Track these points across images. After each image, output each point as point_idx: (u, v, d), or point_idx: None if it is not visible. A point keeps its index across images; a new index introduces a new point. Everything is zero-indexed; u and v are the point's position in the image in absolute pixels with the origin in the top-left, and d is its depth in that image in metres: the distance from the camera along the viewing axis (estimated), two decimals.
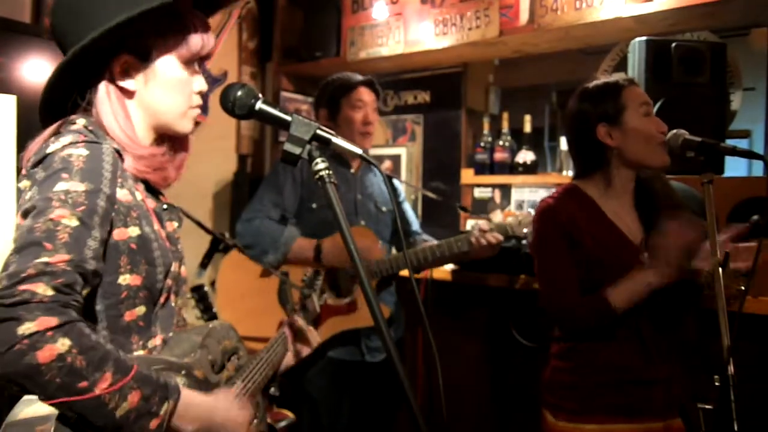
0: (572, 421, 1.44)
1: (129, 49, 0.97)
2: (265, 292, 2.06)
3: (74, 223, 0.83)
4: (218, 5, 1.11)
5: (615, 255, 1.42)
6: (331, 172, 0.87)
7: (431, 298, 2.25)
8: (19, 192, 0.92)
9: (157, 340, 0.99)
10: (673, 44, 1.79)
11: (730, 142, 1.76)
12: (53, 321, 0.75)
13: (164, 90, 1.00)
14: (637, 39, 1.84)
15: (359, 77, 2.15)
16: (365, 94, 2.12)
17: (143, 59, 0.98)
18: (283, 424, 1.69)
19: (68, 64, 0.94)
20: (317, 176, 0.86)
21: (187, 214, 1.32)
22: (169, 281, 1.01)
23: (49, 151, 0.90)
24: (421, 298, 2.18)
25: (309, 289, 1.62)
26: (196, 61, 1.03)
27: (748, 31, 2.27)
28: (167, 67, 1.00)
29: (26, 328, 0.73)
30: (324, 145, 0.90)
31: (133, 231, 0.94)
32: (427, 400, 2.41)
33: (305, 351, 1.38)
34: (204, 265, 1.93)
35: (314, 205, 2.07)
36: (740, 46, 2.28)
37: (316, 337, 1.39)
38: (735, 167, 1.94)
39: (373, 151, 3.00)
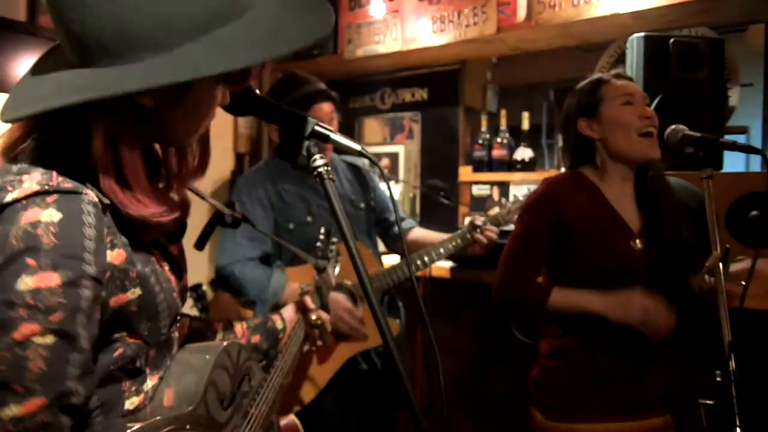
0: (564, 420, 1.43)
1: None
2: None
3: (49, 340, 0.63)
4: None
5: (610, 238, 1.43)
6: (329, 168, 0.86)
7: (430, 296, 2.24)
8: None
9: (154, 380, 0.84)
10: (672, 40, 1.79)
11: (728, 138, 1.76)
12: None
13: (190, 112, 0.77)
14: (635, 35, 1.83)
15: (314, 87, 1.92)
16: (321, 110, 1.88)
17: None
18: (283, 423, 1.66)
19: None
20: (316, 173, 0.85)
21: (197, 192, 1.13)
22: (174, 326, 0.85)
23: (7, 200, 0.65)
24: (420, 296, 2.14)
25: (323, 260, 1.40)
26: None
27: (746, 27, 2.27)
28: (208, 87, 0.76)
29: None
30: (323, 141, 0.89)
31: (134, 293, 0.75)
32: (427, 397, 2.40)
33: (320, 340, 1.28)
34: (206, 233, 1.76)
35: (291, 226, 1.91)
36: (737, 42, 2.28)
37: (329, 323, 1.28)
38: (732, 163, 1.94)
39: (372, 149, 2.99)
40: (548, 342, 1.52)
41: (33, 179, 0.67)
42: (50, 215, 0.65)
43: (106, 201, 0.72)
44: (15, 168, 0.69)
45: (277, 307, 1.82)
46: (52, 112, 0.67)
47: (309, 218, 1.95)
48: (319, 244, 1.49)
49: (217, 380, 0.91)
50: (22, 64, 2.06)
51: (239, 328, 1.16)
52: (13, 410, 0.61)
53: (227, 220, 1.41)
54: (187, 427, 0.82)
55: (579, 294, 1.41)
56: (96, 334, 0.69)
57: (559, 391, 1.46)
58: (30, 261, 0.63)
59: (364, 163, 2.13)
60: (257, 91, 0.90)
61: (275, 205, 1.92)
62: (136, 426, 0.77)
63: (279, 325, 1.21)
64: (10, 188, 0.66)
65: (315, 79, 2.01)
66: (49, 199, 0.66)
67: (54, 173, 0.68)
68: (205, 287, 2.73)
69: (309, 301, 1.30)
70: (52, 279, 0.64)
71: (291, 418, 1.52)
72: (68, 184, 0.68)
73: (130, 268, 0.74)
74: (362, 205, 2.04)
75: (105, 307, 0.72)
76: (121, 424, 0.76)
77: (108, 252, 0.71)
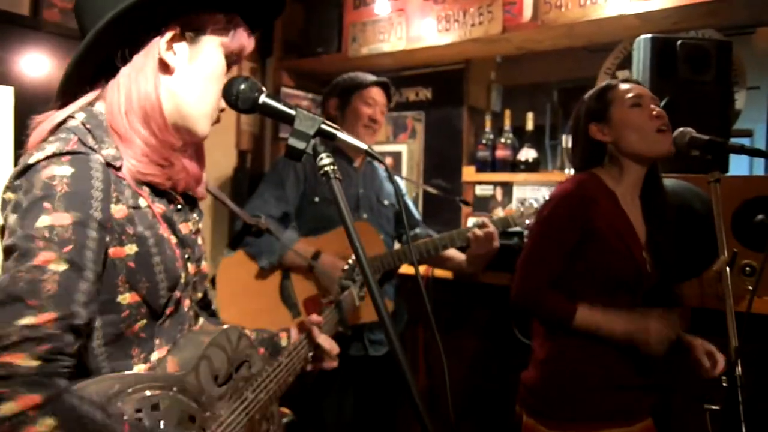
0: (560, 428, 1.41)
1: (180, 21, 0.89)
2: (266, 291, 2.04)
3: (62, 267, 0.75)
4: (258, 24, 1.02)
5: (625, 244, 1.41)
6: (335, 167, 0.85)
7: (432, 297, 2.23)
8: (4, 203, 0.83)
9: (162, 351, 0.93)
10: (679, 42, 1.78)
11: (733, 141, 1.75)
12: (36, 398, 0.68)
13: (204, 76, 0.92)
14: (642, 36, 1.82)
15: (370, 76, 2.19)
16: (378, 95, 2.16)
17: (193, 35, 0.91)
18: (283, 421, 1.66)
19: (112, 24, 0.82)
20: (322, 171, 0.84)
21: (220, 198, 1.24)
22: (177, 293, 0.93)
23: (31, 161, 0.80)
24: (423, 289, 2.15)
25: (348, 280, 1.48)
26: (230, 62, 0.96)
27: (753, 30, 2.26)
28: (214, 51, 0.93)
29: (6, 408, 0.67)
30: (329, 139, 0.88)
31: (130, 249, 0.85)
32: (428, 397, 2.40)
33: (326, 363, 1.27)
34: (233, 246, 1.88)
35: (317, 199, 2.08)
36: (744, 45, 2.26)
37: (334, 346, 1.27)
38: (734, 166, 1.92)
39: (374, 148, 2.98)
40: (545, 345, 1.49)
41: (53, 145, 0.82)
42: (64, 171, 0.79)
43: (118, 164, 0.86)
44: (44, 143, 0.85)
45: (281, 265, 2.00)
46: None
47: None
48: (346, 267, 1.54)
49: (212, 356, 0.96)
50: (26, 58, 2.05)
51: (248, 335, 1.19)
52: (28, 319, 0.71)
53: (254, 230, 1.53)
54: (174, 389, 0.88)
55: (604, 316, 1.38)
56: (101, 271, 0.80)
57: (557, 398, 1.43)
58: (46, 205, 0.77)
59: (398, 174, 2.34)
60: (263, 88, 0.90)
61: (308, 177, 2.10)
62: (127, 374, 0.85)
63: (283, 342, 1.24)
64: (34, 152, 0.82)
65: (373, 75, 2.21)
66: (64, 159, 0.80)
67: (73, 139, 0.83)
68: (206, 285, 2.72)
69: (316, 330, 1.27)
70: (65, 218, 0.77)
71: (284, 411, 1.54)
72: (81, 148, 0.82)
73: (129, 225, 0.85)
74: (386, 202, 2.19)
75: (106, 256, 0.82)
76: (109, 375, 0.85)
77: (112, 205, 0.83)
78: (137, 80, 0.88)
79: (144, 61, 0.88)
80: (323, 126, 0.87)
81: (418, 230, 2.23)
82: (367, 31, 2.70)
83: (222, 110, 0.98)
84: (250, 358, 1.07)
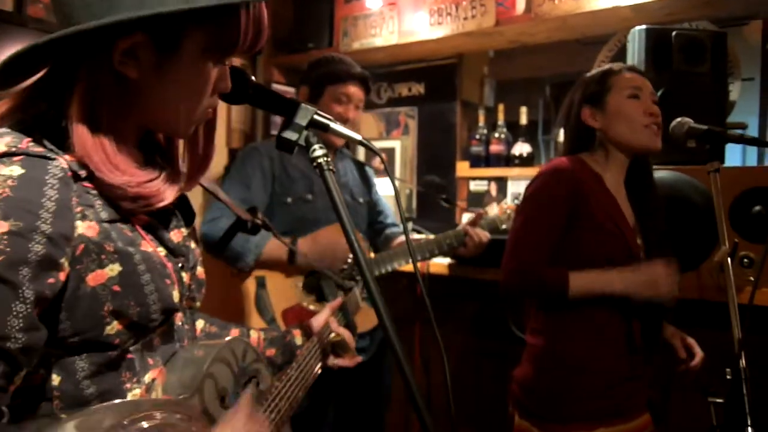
0: (553, 430, 1.38)
1: (147, 27, 0.70)
2: (239, 300, 1.90)
3: None
4: None
5: (615, 223, 1.39)
6: (329, 158, 0.82)
7: (428, 293, 2.21)
8: None
9: (156, 371, 0.81)
10: (674, 33, 1.77)
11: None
12: None
13: (179, 89, 0.75)
14: (637, 27, 1.81)
15: (355, 70, 1.99)
16: (353, 90, 1.95)
17: (163, 43, 0.72)
18: None
19: (62, 41, 0.68)
20: (315, 163, 0.81)
21: (214, 192, 1.12)
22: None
23: None
24: (419, 293, 2.10)
25: (350, 280, 1.39)
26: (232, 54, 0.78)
27: (746, 21, 2.25)
28: (193, 57, 0.74)
29: None
30: (321, 130, 0.86)
31: (112, 270, 0.72)
32: (425, 395, 2.38)
33: (343, 363, 1.17)
34: (223, 241, 1.77)
35: (289, 200, 1.91)
36: (737, 36, 2.26)
37: (352, 341, 1.17)
38: (727, 157, 1.91)
39: None
40: (536, 338, 1.46)
41: (3, 142, 0.68)
42: (11, 170, 0.66)
43: (83, 173, 0.72)
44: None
45: (260, 264, 1.84)
46: (38, 84, 0.73)
47: (309, 196, 1.94)
48: (345, 267, 1.43)
49: (217, 374, 0.84)
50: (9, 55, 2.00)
51: (254, 337, 1.10)
52: None
53: (249, 227, 1.34)
54: (178, 416, 0.76)
55: (599, 276, 1.33)
56: (47, 296, 0.66)
57: (551, 395, 1.39)
58: None
59: (369, 163, 2.20)
60: (253, 78, 0.87)
61: (277, 176, 1.92)
62: (119, 402, 0.72)
63: (298, 340, 1.13)
64: None
65: (353, 62, 2.01)
66: (15, 158, 0.67)
67: (26, 138, 0.69)
68: None
69: (332, 319, 1.19)
70: (0, 226, 0.63)
71: None
72: (38, 149, 0.68)
73: (106, 242, 0.72)
74: (361, 200, 2.07)
75: (82, 285, 0.70)
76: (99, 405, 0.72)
77: (78, 222, 0.70)
78: (77, 113, 0.71)
79: (92, 83, 0.71)
80: (316, 116, 0.84)
81: (394, 230, 2.13)
82: (358, 25, 2.68)
83: (212, 108, 0.83)
84: (258, 374, 0.95)
